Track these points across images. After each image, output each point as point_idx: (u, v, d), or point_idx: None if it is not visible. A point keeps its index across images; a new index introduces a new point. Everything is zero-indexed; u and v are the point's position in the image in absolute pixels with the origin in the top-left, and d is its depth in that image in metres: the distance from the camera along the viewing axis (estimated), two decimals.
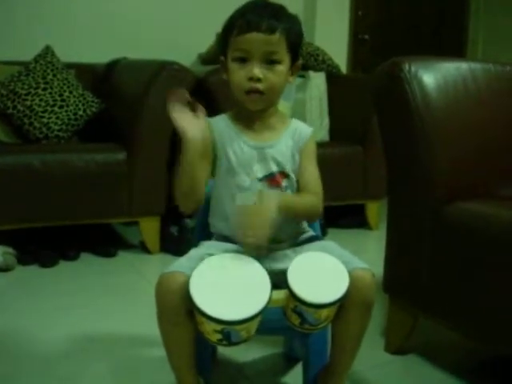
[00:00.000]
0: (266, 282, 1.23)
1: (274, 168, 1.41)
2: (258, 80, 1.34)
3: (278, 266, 1.36)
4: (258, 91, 1.35)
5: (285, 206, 1.32)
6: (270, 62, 1.35)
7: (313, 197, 1.42)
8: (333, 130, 3.49)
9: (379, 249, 1.92)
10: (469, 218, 1.57)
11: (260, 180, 1.40)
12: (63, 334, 1.91)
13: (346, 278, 1.25)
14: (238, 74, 1.36)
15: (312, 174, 1.45)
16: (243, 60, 1.35)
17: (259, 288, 1.22)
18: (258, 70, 1.34)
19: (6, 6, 3.29)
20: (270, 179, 1.40)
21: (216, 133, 1.42)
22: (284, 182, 1.41)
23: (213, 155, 1.42)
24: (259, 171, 1.40)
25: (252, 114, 1.42)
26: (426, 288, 1.67)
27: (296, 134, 1.46)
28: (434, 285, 1.64)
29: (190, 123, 1.28)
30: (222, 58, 1.43)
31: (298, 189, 1.45)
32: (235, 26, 1.35)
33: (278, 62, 1.36)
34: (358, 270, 1.28)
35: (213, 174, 1.44)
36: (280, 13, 1.38)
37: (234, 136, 1.42)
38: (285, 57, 1.37)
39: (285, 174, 1.42)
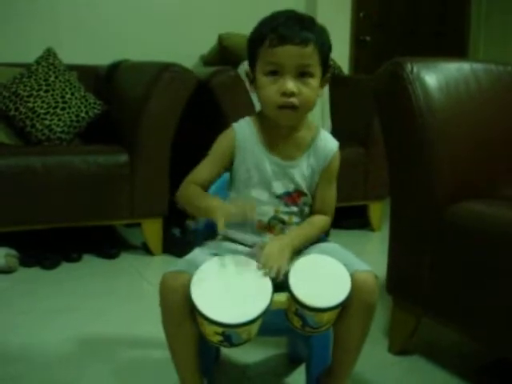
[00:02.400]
0: (267, 284, 1.23)
1: (292, 187, 1.39)
2: (292, 94, 1.29)
3: None
4: (292, 106, 1.31)
5: (298, 246, 1.35)
6: (303, 74, 1.30)
7: (325, 219, 1.43)
8: (335, 132, 3.48)
9: (382, 250, 1.92)
10: (471, 218, 1.57)
11: (277, 197, 1.39)
12: (65, 335, 1.91)
13: (348, 281, 1.24)
14: (271, 89, 1.31)
15: (330, 195, 1.45)
16: (275, 73, 1.30)
17: (260, 291, 1.21)
18: (292, 84, 1.29)
19: (8, 8, 3.29)
20: (287, 197, 1.39)
21: (239, 142, 1.39)
22: (301, 200, 1.40)
23: (230, 161, 1.40)
24: (278, 188, 1.38)
25: (279, 127, 1.38)
26: (429, 289, 1.66)
27: (320, 149, 1.41)
28: (437, 286, 1.64)
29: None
30: (249, 70, 1.38)
31: (313, 204, 1.44)
32: (266, 37, 1.30)
33: (311, 76, 1.31)
34: (360, 272, 1.27)
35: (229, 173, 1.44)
36: (312, 25, 1.33)
37: (257, 149, 1.39)
38: (317, 70, 1.33)
39: (302, 193, 1.40)
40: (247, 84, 1.43)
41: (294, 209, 1.40)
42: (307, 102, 1.32)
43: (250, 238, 1.39)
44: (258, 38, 1.33)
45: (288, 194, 1.39)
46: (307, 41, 1.28)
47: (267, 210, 1.38)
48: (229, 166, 1.41)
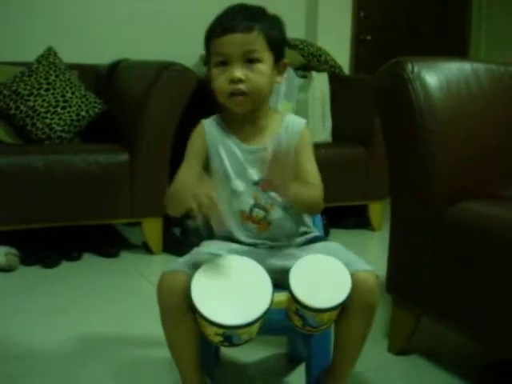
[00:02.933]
0: (267, 285, 1.23)
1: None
2: (240, 81, 1.33)
3: (281, 263, 1.35)
4: (241, 93, 1.34)
5: (301, 193, 1.31)
6: (251, 61, 1.33)
7: (318, 186, 1.40)
8: (335, 131, 3.49)
9: (382, 250, 1.92)
10: (471, 219, 1.57)
11: (255, 184, 1.39)
12: (65, 334, 1.91)
13: (349, 281, 1.23)
14: (220, 79, 1.35)
15: (312, 167, 1.43)
16: (224, 63, 1.34)
17: (261, 292, 1.21)
18: (238, 71, 1.32)
19: (9, 6, 3.29)
20: (264, 183, 1.38)
21: (209, 136, 1.42)
22: None
23: (205, 159, 1.42)
24: (254, 175, 1.39)
25: (242, 116, 1.40)
26: (429, 289, 1.66)
27: (288, 129, 1.43)
28: (437, 286, 1.64)
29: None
30: (207, 69, 1.41)
31: (299, 180, 1.42)
32: (214, 30, 1.36)
33: (259, 61, 1.34)
34: (361, 272, 1.27)
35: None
36: (257, 13, 1.37)
37: (227, 140, 1.41)
38: (265, 55, 1.35)
39: None
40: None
41: (273, 194, 1.38)
42: (257, 87, 1.34)
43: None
44: (208, 33, 1.39)
45: (264, 180, 1.38)
46: (250, 27, 1.33)
47: (247, 200, 1.38)
48: (206, 164, 1.42)
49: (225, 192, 1.39)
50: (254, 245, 1.41)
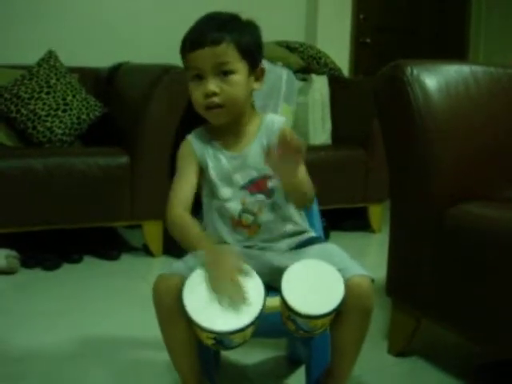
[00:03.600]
0: (260, 290, 1.22)
1: (254, 174, 1.40)
2: (214, 94, 1.33)
3: (276, 263, 1.35)
4: (216, 105, 1.35)
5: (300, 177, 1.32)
6: (224, 73, 1.34)
7: (309, 182, 1.39)
8: (335, 133, 3.49)
9: (382, 252, 1.92)
10: (471, 220, 1.57)
11: (241, 188, 1.40)
12: (66, 336, 1.92)
13: (342, 288, 1.22)
14: (196, 93, 1.36)
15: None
16: (199, 77, 1.35)
17: (252, 297, 1.21)
18: (211, 85, 1.33)
19: (9, 10, 3.30)
20: (252, 186, 1.39)
21: (197, 149, 1.43)
22: (270, 185, 1.40)
23: (199, 169, 1.43)
24: (240, 179, 1.40)
25: (223, 125, 1.41)
26: (429, 291, 1.67)
27: (268, 129, 1.43)
28: (437, 287, 1.64)
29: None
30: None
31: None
32: (186, 45, 1.37)
33: (232, 72, 1.34)
34: (355, 277, 1.26)
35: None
36: (227, 23, 1.37)
37: (211, 149, 1.42)
38: (238, 65, 1.35)
39: (267, 177, 1.40)
40: None
41: (261, 197, 1.39)
42: (231, 98, 1.35)
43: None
44: (182, 46, 1.39)
45: (252, 182, 1.40)
46: (218, 40, 1.33)
47: (235, 206, 1.39)
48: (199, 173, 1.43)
49: (214, 200, 1.41)
50: (248, 246, 1.41)
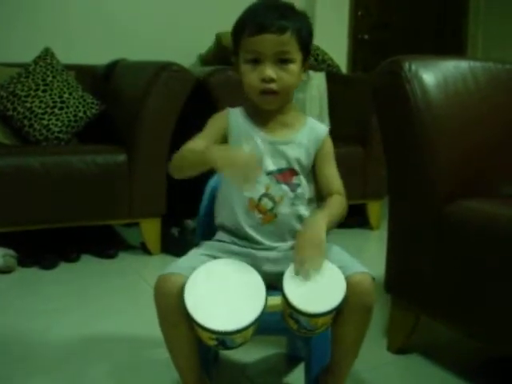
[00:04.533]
0: (261, 291, 1.22)
1: (284, 165, 1.40)
2: (272, 80, 1.34)
3: (278, 268, 1.34)
4: (272, 92, 1.36)
5: (329, 224, 1.33)
6: (282, 61, 1.35)
7: (340, 197, 1.44)
8: (333, 130, 3.45)
9: (380, 249, 1.91)
10: (470, 216, 1.56)
11: (268, 174, 1.39)
12: (64, 335, 1.91)
13: (343, 286, 1.22)
14: (251, 76, 1.36)
15: (333, 175, 1.46)
16: (255, 61, 1.35)
17: (254, 297, 1.21)
18: (270, 71, 1.34)
19: (6, 8, 3.29)
20: (279, 175, 1.39)
21: (233, 123, 1.43)
22: (294, 180, 1.40)
23: (221, 140, 1.42)
24: (269, 165, 1.39)
25: (265, 111, 1.42)
26: (428, 287, 1.66)
27: (312, 134, 1.45)
28: (436, 284, 1.64)
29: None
30: (234, 58, 1.43)
31: (320, 190, 1.45)
32: (246, 27, 1.35)
33: (291, 61, 1.36)
34: (356, 274, 1.26)
35: None
36: (290, 12, 1.37)
37: (249, 130, 1.42)
38: (297, 55, 1.37)
39: (294, 172, 1.40)
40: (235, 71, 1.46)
41: (286, 188, 1.39)
42: (287, 86, 1.38)
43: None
44: (239, 27, 1.38)
45: (280, 172, 1.39)
46: (284, 28, 1.33)
47: (258, 188, 1.38)
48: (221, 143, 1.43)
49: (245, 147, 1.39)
50: (252, 244, 1.40)
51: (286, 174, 1.40)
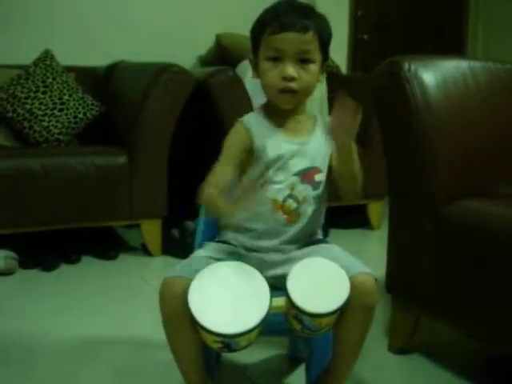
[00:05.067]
0: (265, 292, 1.22)
1: (308, 163, 1.40)
2: (292, 79, 1.34)
3: (282, 270, 1.34)
4: (291, 90, 1.35)
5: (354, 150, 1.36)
6: (303, 61, 1.35)
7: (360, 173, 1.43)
8: None
9: (381, 249, 1.91)
10: (470, 216, 1.56)
11: (294, 175, 1.39)
12: (65, 336, 1.91)
13: (347, 286, 1.23)
14: (272, 73, 1.35)
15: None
16: (276, 59, 1.35)
17: (258, 300, 1.20)
18: (292, 69, 1.34)
19: (5, 9, 3.29)
20: (304, 174, 1.39)
21: (253, 128, 1.41)
22: (317, 178, 1.41)
23: (244, 155, 1.40)
24: (296, 165, 1.39)
25: (283, 111, 1.41)
26: (428, 288, 1.66)
27: (325, 127, 1.44)
28: (436, 284, 1.64)
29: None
30: (251, 57, 1.42)
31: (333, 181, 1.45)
32: (268, 25, 1.34)
33: (311, 61, 1.36)
34: (360, 274, 1.26)
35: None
36: (312, 12, 1.39)
37: (270, 132, 1.41)
38: (317, 56, 1.37)
39: (318, 170, 1.41)
40: (250, 71, 1.46)
41: (309, 187, 1.40)
42: (307, 86, 1.37)
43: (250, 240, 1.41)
44: (261, 25, 1.37)
45: (304, 171, 1.40)
46: (307, 28, 1.33)
47: (282, 189, 1.38)
48: (245, 159, 1.40)
49: (260, 179, 1.38)
50: (259, 246, 1.40)
51: (310, 173, 1.40)
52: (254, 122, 1.42)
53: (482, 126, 1.71)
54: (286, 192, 1.38)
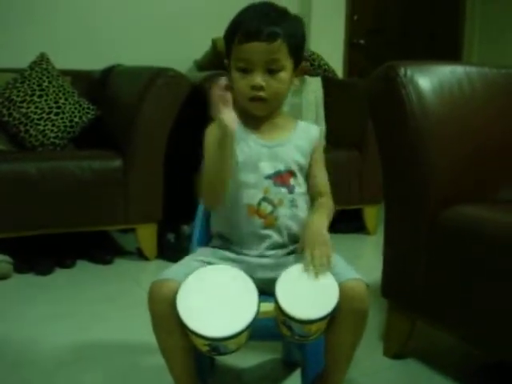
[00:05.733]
0: (253, 297, 1.22)
1: (282, 167, 1.40)
2: (261, 88, 1.35)
3: (271, 274, 1.33)
4: (260, 99, 1.37)
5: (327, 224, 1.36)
6: (272, 69, 1.35)
7: (329, 200, 1.46)
8: (329, 135, 3.48)
9: (377, 253, 1.91)
10: (465, 222, 1.56)
11: (266, 178, 1.39)
12: (60, 341, 1.90)
13: (336, 292, 1.22)
14: (241, 83, 1.37)
15: (323, 176, 1.48)
16: (245, 70, 1.36)
17: (246, 304, 1.20)
18: (259, 79, 1.35)
19: (1, 13, 3.29)
20: (277, 177, 1.39)
21: None
22: (292, 181, 1.41)
23: None
24: (266, 168, 1.39)
25: (257, 115, 1.43)
26: (424, 292, 1.66)
27: (306, 133, 1.46)
28: (432, 289, 1.64)
29: (231, 117, 1.30)
30: (226, 61, 1.43)
31: (309, 188, 1.46)
32: (236, 33, 1.35)
33: (281, 70, 1.36)
34: (350, 280, 1.26)
35: None
36: (281, 18, 1.37)
37: (242, 134, 1.41)
38: (287, 63, 1.37)
39: (292, 173, 1.41)
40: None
41: (284, 190, 1.39)
42: (276, 94, 1.39)
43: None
44: (229, 34, 1.38)
45: (278, 174, 1.39)
46: (273, 36, 1.33)
47: (256, 193, 1.38)
48: None
49: (234, 185, 1.38)
50: (247, 251, 1.39)
51: (284, 175, 1.40)
52: None
53: (479, 130, 1.71)
54: (260, 195, 1.38)
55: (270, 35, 1.32)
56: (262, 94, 1.36)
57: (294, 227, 1.41)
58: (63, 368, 1.74)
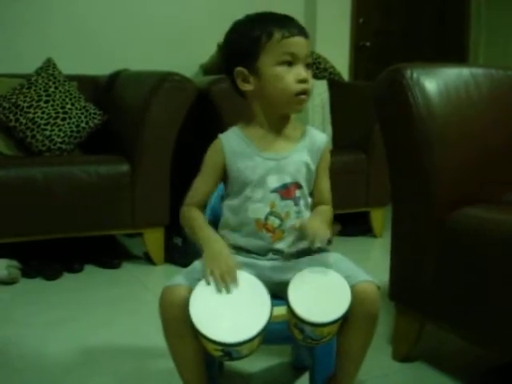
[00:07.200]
0: (266, 301, 1.22)
1: (288, 179, 1.38)
2: (307, 81, 1.36)
3: (282, 277, 1.33)
4: (306, 92, 1.37)
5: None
6: (308, 64, 1.38)
7: (329, 208, 1.47)
8: (336, 138, 3.49)
9: (384, 256, 1.91)
10: (472, 224, 1.56)
11: (272, 191, 1.37)
12: (68, 346, 1.91)
13: (348, 295, 1.22)
14: (287, 78, 1.34)
15: (326, 187, 1.48)
16: (289, 63, 1.35)
17: (259, 309, 1.20)
18: (305, 71, 1.36)
19: (7, 18, 3.30)
20: (283, 190, 1.38)
21: (227, 148, 1.40)
22: (297, 193, 1.39)
23: (223, 171, 1.41)
24: (273, 182, 1.38)
25: (269, 124, 1.41)
26: (432, 295, 1.66)
27: (312, 143, 1.44)
28: (439, 291, 1.63)
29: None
30: (242, 69, 1.38)
31: (313, 197, 1.46)
32: (274, 32, 1.34)
33: (311, 66, 1.40)
34: (362, 283, 1.26)
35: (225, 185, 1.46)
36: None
37: (246, 149, 1.39)
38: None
39: (298, 185, 1.39)
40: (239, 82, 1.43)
41: (290, 203, 1.38)
42: (311, 88, 1.39)
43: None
44: (263, 34, 1.35)
45: (284, 187, 1.38)
46: (307, 33, 1.39)
47: (262, 208, 1.37)
48: (223, 176, 1.43)
49: (241, 200, 1.38)
50: (258, 256, 1.39)
51: (290, 188, 1.39)
52: (231, 139, 1.42)
53: (485, 132, 1.71)
54: (267, 210, 1.37)
55: (306, 32, 1.38)
56: (308, 86, 1.36)
57: (302, 237, 1.40)
58: (71, 372, 1.75)
